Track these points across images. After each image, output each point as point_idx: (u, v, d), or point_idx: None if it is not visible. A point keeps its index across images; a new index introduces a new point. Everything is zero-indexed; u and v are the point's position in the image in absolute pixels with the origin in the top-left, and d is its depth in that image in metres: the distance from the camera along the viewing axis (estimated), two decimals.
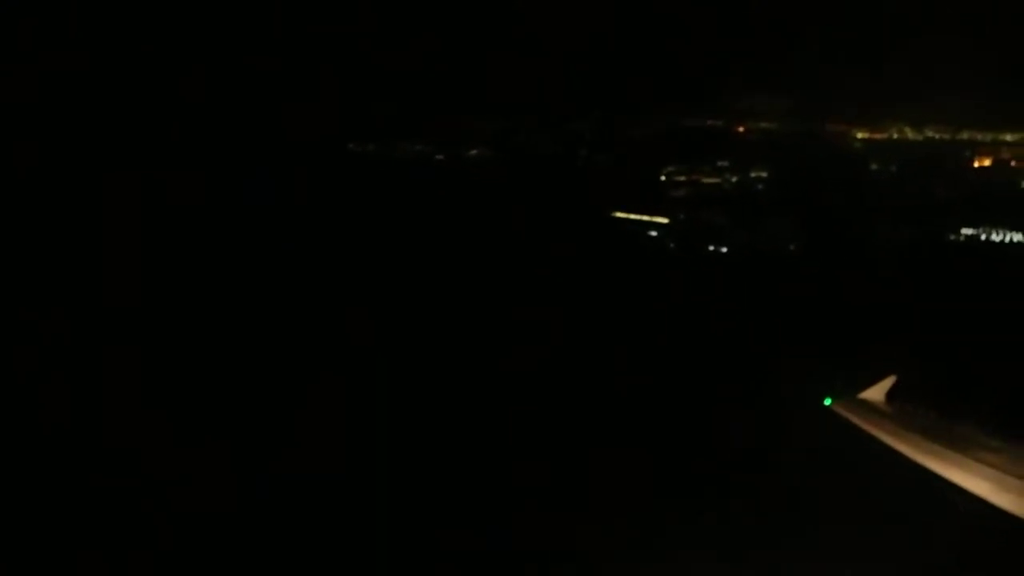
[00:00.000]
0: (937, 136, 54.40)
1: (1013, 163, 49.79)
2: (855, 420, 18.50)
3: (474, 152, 53.33)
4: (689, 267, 40.23)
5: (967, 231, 42.52)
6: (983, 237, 41.75)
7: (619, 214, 45.78)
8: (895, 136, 56.01)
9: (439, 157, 52.51)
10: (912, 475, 16.85)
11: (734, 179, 51.27)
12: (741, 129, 58.42)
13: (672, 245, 43.90)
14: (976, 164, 50.54)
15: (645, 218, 45.44)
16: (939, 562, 17.58)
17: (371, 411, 25.34)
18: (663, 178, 51.45)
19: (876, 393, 18.95)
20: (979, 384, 22.62)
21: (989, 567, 17.17)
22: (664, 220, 45.36)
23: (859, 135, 56.64)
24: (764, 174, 51.37)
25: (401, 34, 52.77)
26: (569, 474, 21.93)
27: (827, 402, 18.88)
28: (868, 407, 18.83)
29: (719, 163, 52.66)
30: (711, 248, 43.00)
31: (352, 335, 30.39)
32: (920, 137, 54.86)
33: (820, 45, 52.77)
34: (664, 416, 24.70)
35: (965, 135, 53.63)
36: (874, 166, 52.26)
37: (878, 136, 56.36)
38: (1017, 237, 40.95)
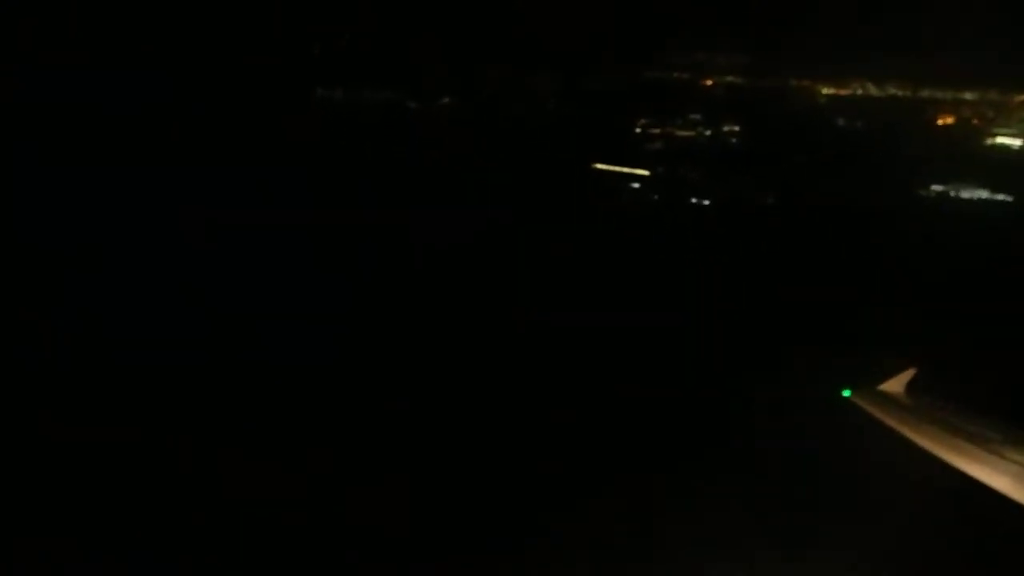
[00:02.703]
0: (900, 93, 55.54)
1: (975, 121, 51.22)
2: (875, 413, 18.24)
3: (445, 101, 52.08)
4: (677, 221, 40.18)
5: (940, 188, 43.66)
6: (960, 195, 42.93)
7: (600, 166, 45.44)
8: (859, 92, 56.98)
9: (411, 105, 51.14)
10: (933, 470, 16.81)
11: (707, 132, 51.42)
12: (708, 83, 58.58)
13: (655, 197, 43.86)
14: (940, 122, 51.84)
15: (626, 170, 45.22)
16: (959, 559, 17.65)
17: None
18: (637, 131, 51.25)
19: (896, 385, 18.71)
20: (1001, 376, 22.19)
21: (1011, 564, 17.35)
22: (644, 172, 45.24)
23: (824, 91, 57.41)
24: (736, 128, 51.64)
25: None
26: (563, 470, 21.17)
27: (846, 394, 18.60)
28: (888, 399, 18.54)
29: (690, 116, 52.70)
30: (694, 200, 43.12)
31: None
32: (883, 94, 55.94)
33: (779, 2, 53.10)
34: (666, 405, 23.47)
35: (926, 93, 54.88)
36: (841, 121, 53.09)
37: (842, 92, 57.23)
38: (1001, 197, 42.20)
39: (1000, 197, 42.49)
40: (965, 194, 43.16)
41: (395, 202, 39.38)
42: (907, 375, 18.56)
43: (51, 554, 18.30)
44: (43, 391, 24.00)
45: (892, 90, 56.22)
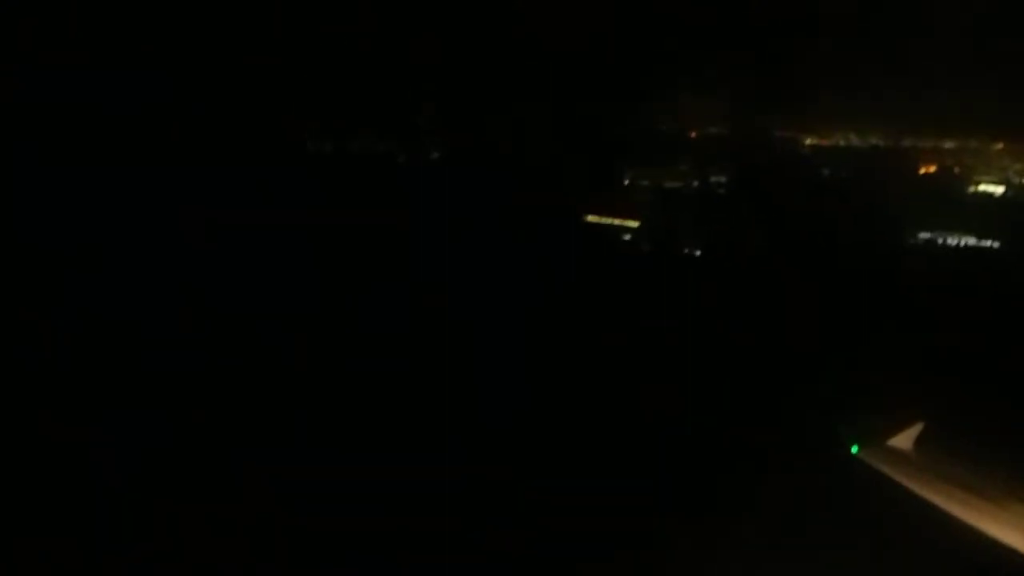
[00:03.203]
0: (882, 143, 56.45)
1: (956, 169, 52.06)
2: (885, 470, 18.16)
3: (436, 155, 52.39)
4: (670, 271, 40.40)
5: (927, 236, 44.15)
6: (948, 242, 43.42)
7: (591, 217, 45.73)
8: (841, 143, 57.89)
9: (401, 159, 51.39)
10: (945, 527, 16.62)
11: (695, 183, 51.89)
12: (693, 135, 59.33)
13: (646, 248, 44.08)
14: (922, 170, 52.66)
15: (616, 222, 45.52)
16: None
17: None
18: (627, 183, 51.67)
19: (904, 441, 18.67)
20: (1012, 429, 21.82)
21: None
22: (634, 223, 45.53)
23: (807, 141, 58.29)
24: (724, 179, 52.19)
25: (364, 33, 51.46)
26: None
27: (854, 451, 18.48)
28: (897, 455, 18.50)
29: (679, 168, 53.24)
30: (685, 251, 43.36)
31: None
32: (865, 144, 56.86)
33: (762, 53, 54.20)
34: (665, 462, 23.46)
35: (907, 142, 55.83)
36: (826, 171, 53.78)
37: (825, 142, 58.13)
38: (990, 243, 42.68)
39: (987, 243, 43.04)
40: (952, 241, 43.68)
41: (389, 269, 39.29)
42: (915, 430, 18.48)
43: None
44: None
45: (874, 140, 57.16)
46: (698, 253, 42.74)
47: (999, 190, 49.51)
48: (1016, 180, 50.03)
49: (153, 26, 47.15)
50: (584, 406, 26.13)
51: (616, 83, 54.61)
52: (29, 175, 39.24)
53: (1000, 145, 52.69)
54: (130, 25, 46.58)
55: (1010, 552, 15.65)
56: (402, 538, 19.85)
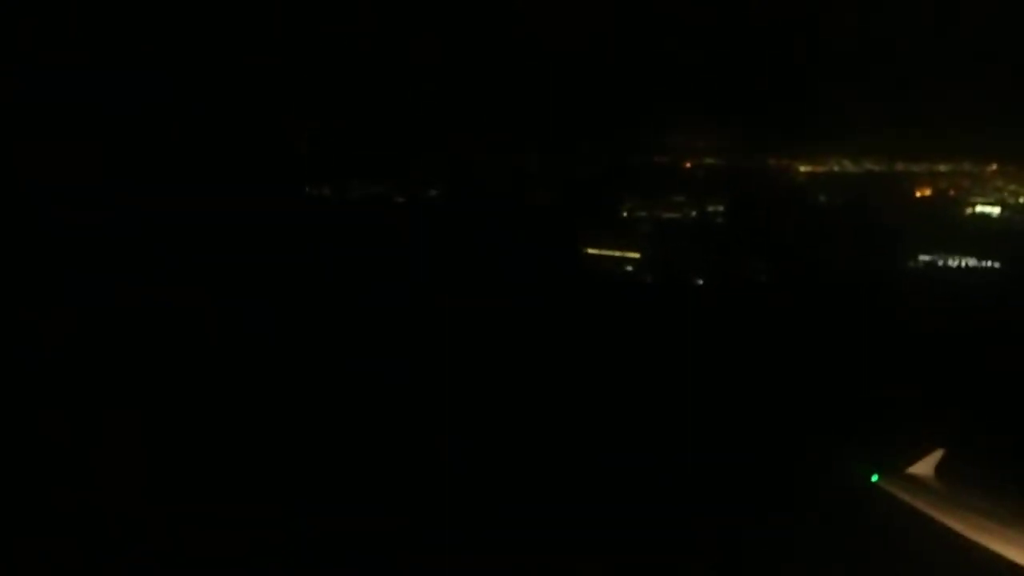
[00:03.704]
0: (876, 168, 56.83)
1: (952, 191, 52.39)
2: (906, 498, 17.90)
3: (433, 193, 52.56)
4: (677, 302, 40.37)
5: (927, 258, 44.27)
6: (949, 264, 43.53)
7: (592, 250, 45.80)
8: (835, 169, 58.25)
9: (399, 199, 51.53)
10: (965, 554, 16.40)
11: (693, 213, 52.08)
12: (688, 165, 59.66)
13: (649, 279, 44.11)
14: (918, 194, 52.97)
15: (617, 253, 45.60)
16: None
17: None
18: (625, 214, 51.85)
19: (925, 468, 18.44)
20: None
21: None
22: (635, 255, 45.60)
23: (802, 169, 58.64)
24: (721, 208, 52.40)
25: (351, 73, 51.89)
26: None
27: (874, 479, 18.26)
28: (918, 483, 18.24)
29: (675, 198, 53.47)
30: (689, 281, 43.40)
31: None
32: (860, 169, 57.23)
33: (754, 83, 54.77)
34: (681, 494, 23.19)
35: (901, 166, 56.21)
36: (822, 198, 54.04)
37: (820, 170, 58.49)
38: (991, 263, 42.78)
39: (988, 264, 43.16)
40: (953, 263, 43.80)
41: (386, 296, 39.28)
42: (934, 457, 18.28)
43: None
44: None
45: (868, 165, 57.53)
46: (700, 282, 42.76)
47: (995, 211, 49.80)
48: (1011, 200, 50.33)
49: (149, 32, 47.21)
50: (597, 440, 25.93)
51: (611, 115, 55.08)
52: (28, 175, 39.23)
53: (994, 166, 53.10)
54: (125, 30, 46.62)
55: None
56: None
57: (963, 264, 43.74)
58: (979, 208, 50.66)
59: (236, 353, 30.88)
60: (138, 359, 28.89)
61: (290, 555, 19.63)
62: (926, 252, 44.77)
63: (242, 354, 30.82)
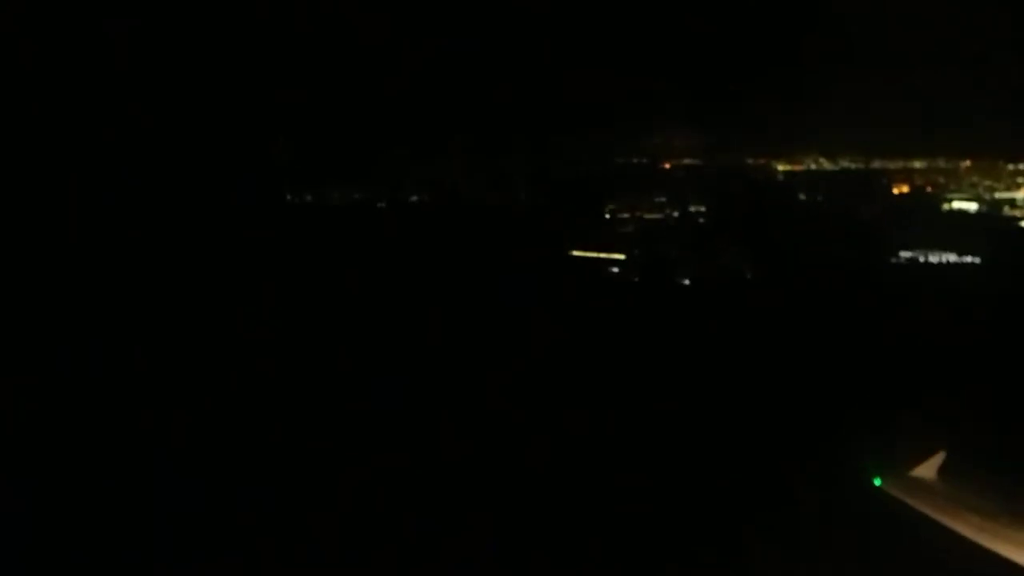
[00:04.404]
0: (852, 165, 57.36)
1: (928, 188, 53.02)
2: (909, 501, 17.90)
3: (415, 198, 52.22)
4: (662, 301, 40.43)
5: (909, 255, 44.69)
6: (930, 260, 43.97)
7: (577, 252, 45.72)
8: (813, 167, 58.70)
9: (380, 204, 51.11)
10: (969, 556, 16.44)
11: (675, 213, 52.23)
12: (667, 166, 59.80)
13: (636, 279, 44.14)
14: (895, 191, 53.53)
15: (602, 255, 45.56)
16: None
17: None
18: (607, 216, 51.86)
19: (927, 470, 18.45)
20: None
21: None
22: (621, 256, 45.60)
23: (780, 167, 59.02)
24: (702, 208, 52.58)
25: (332, 79, 51.35)
26: None
27: (877, 482, 18.24)
28: (921, 486, 18.25)
29: (656, 199, 53.57)
30: (674, 280, 43.47)
31: None
32: (836, 167, 57.72)
33: (730, 83, 55.07)
34: (685, 498, 23.19)
35: (877, 164, 56.79)
36: (801, 195, 54.43)
37: (798, 168, 58.90)
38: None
39: (969, 260, 43.70)
40: (934, 259, 44.29)
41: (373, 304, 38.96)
42: (937, 459, 18.33)
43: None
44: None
45: (844, 163, 58.02)
46: (687, 282, 42.87)
47: (972, 206, 50.46)
48: (987, 196, 51.02)
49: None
50: (593, 441, 25.82)
51: (592, 118, 55.06)
52: (28, 175, 38.66)
53: (968, 162, 53.82)
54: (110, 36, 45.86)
55: None
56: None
57: (944, 260, 44.24)
58: (956, 204, 51.31)
59: (220, 357, 30.53)
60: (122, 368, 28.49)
61: (290, 555, 19.13)
62: (906, 249, 45.25)
63: (226, 359, 30.45)
